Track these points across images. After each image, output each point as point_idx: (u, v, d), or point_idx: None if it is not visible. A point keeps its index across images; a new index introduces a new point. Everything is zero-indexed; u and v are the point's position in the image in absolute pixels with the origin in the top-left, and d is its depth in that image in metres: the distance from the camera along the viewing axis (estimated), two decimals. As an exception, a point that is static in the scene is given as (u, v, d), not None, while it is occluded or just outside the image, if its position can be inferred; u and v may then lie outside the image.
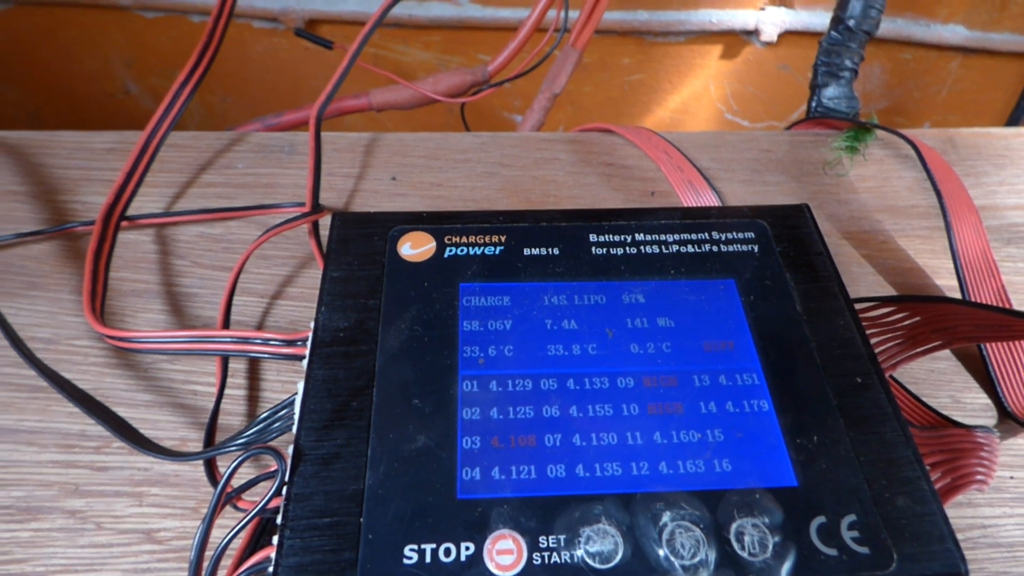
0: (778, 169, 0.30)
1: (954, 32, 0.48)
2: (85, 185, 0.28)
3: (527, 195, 0.29)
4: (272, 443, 0.18)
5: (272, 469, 0.16)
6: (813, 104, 0.35)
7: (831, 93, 0.34)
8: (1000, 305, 0.23)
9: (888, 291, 0.25)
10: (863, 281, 0.26)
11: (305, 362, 0.18)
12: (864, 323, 0.20)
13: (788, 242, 0.21)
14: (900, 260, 0.26)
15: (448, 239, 0.21)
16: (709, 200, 0.27)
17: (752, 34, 0.47)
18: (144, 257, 0.26)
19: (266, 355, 0.20)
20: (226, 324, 0.23)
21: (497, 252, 0.21)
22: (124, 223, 0.26)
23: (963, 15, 0.47)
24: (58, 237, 0.26)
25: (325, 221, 0.26)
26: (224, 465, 0.20)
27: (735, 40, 0.48)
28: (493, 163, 0.30)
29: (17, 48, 0.49)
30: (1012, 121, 0.50)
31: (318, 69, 0.49)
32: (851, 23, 0.33)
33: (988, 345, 0.22)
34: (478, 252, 0.20)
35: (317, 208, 0.26)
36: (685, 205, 0.27)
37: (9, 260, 0.25)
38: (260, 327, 0.24)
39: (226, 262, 0.26)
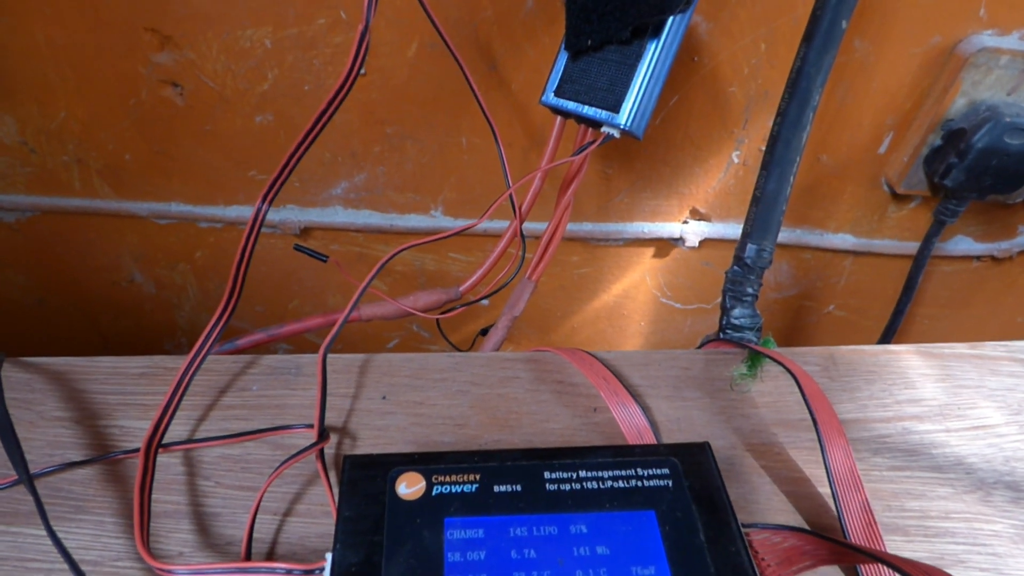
0: (694, 385, 0.37)
1: (844, 239, 0.58)
2: (121, 410, 0.33)
3: (494, 412, 0.35)
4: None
5: None
6: (724, 322, 0.43)
7: (737, 313, 0.43)
8: (865, 516, 0.30)
9: (782, 499, 0.32)
10: (761, 491, 0.32)
11: (323, 592, 0.23)
12: (753, 544, 0.26)
13: (694, 477, 0.27)
14: (791, 470, 0.33)
15: (435, 479, 0.27)
16: (638, 419, 0.34)
17: (678, 240, 0.57)
18: (174, 479, 0.31)
19: (288, 583, 0.24)
20: (249, 548, 0.27)
21: (473, 489, 0.26)
22: (160, 450, 0.31)
23: (849, 226, 0.58)
24: (101, 462, 0.31)
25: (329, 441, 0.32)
26: None
27: (665, 244, 0.57)
28: (465, 382, 0.37)
29: (33, 244, 0.56)
30: (900, 306, 0.60)
31: (311, 269, 0.56)
32: (748, 261, 0.42)
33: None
34: (458, 490, 0.26)
35: (323, 436, 0.31)
36: (619, 422, 0.34)
37: (58, 485, 0.30)
38: (274, 544, 0.29)
39: (245, 482, 0.31)
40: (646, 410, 0.35)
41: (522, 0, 0.42)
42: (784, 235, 0.58)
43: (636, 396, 0.36)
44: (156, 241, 0.55)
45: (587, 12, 0.36)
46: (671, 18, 0.35)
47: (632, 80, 0.38)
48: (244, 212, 0.53)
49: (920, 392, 0.38)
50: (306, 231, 0.55)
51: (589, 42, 0.37)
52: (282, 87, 0.46)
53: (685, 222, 0.56)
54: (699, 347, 0.40)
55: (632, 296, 0.61)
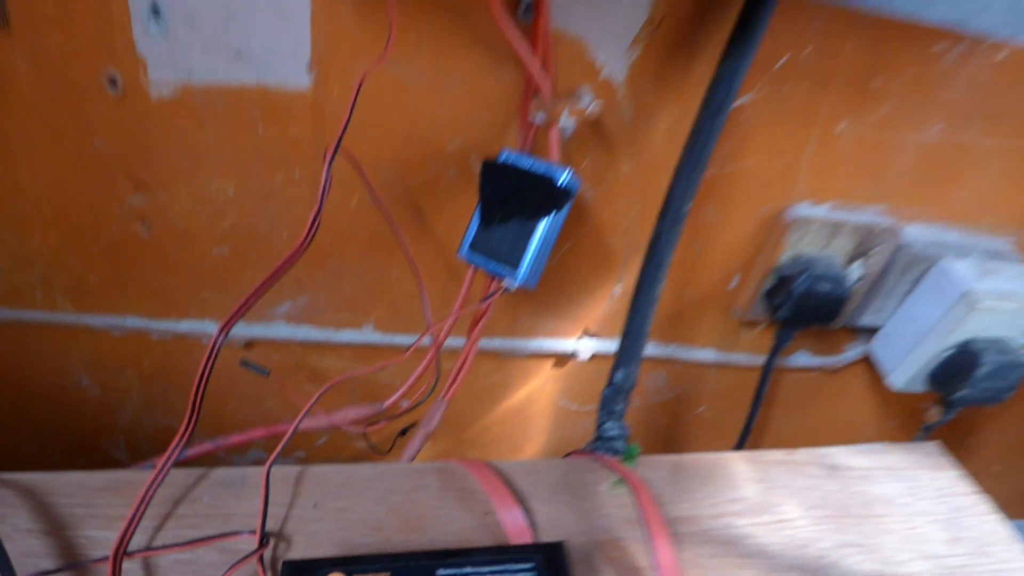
0: (569, 490, 0.47)
1: (707, 354, 0.70)
2: (87, 521, 0.40)
3: (406, 517, 0.43)
4: None
5: None
6: (596, 434, 0.53)
7: (608, 426, 0.53)
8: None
9: (629, 585, 0.41)
10: (613, 579, 0.41)
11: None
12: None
13: (553, 571, 0.36)
14: (632, 562, 0.42)
15: (354, 578, 0.34)
16: (520, 520, 0.43)
17: (573, 355, 0.67)
18: (135, 581, 0.37)
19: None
20: (201, 638, 0.34)
21: (384, 586, 0.34)
22: (127, 558, 0.37)
23: (711, 344, 0.70)
24: (71, 570, 0.37)
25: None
26: None
27: (562, 357, 0.68)
28: (384, 490, 0.45)
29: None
30: (752, 411, 0.71)
31: (250, 377, 0.63)
32: (617, 384, 0.53)
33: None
34: (372, 588, 0.34)
35: (263, 543, 0.38)
36: (504, 523, 0.43)
37: (33, 589, 0.36)
38: (220, 635, 0.35)
39: (196, 582, 0.37)
40: (528, 512, 0.44)
41: (444, 170, 0.53)
42: (660, 350, 0.69)
43: (521, 499, 0.45)
44: (108, 350, 0.61)
45: (497, 202, 0.47)
46: (553, 208, 0.46)
47: (528, 246, 0.48)
48: (194, 326, 0.60)
49: (742, 492, 0.49)
50: (250, 343, 0.62)
51: (498, 219, 0.48)
52: (240, 227, 0.54)
53: (579, 339, 0.67)
54: (565, 456, 0.50)
55: (535, 400, 0.71)
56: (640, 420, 0.77)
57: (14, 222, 0.53)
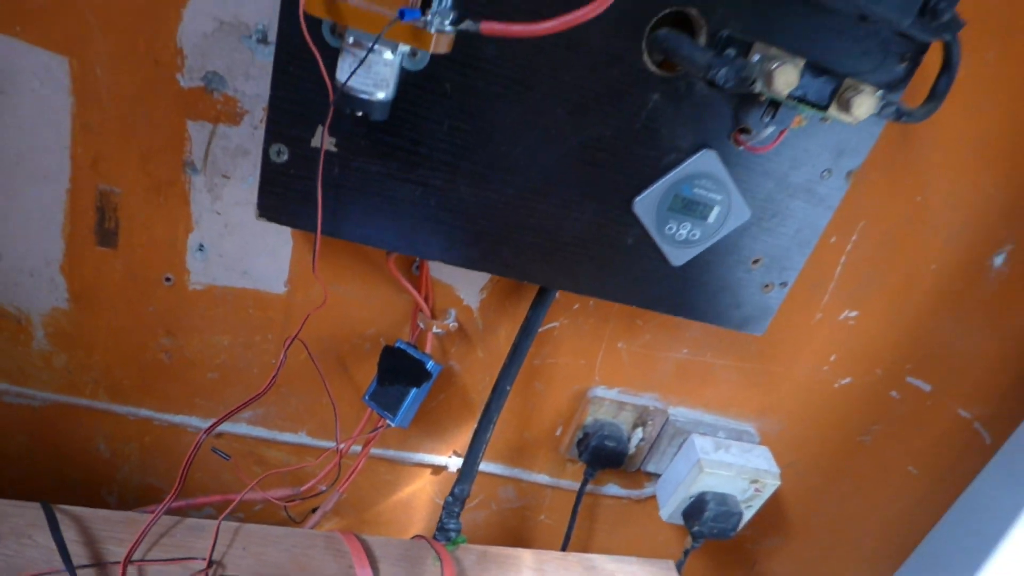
0: (408, 560, 0.74)
1: (542, 478, 0.99)
2: (108, 539, 0.67)
3: (299, 562, 0.70)
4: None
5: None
6: (439, 525, 0.81)
7: (446, 521, 0.81)
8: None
9: (424, 621, 0.68)
10: (415, 616, 0.69)
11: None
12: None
13: (372, 602, 0.64)
14: (434, 608, 0.70)
15: (258, 591, 0.62)
16: (369, 574, 0.70)
17: (445, 467, 0.96)
18: (132, 580, 0.64)
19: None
20: (167, 615, 0.61)
21: (274, 598, 0.62)
22: (130, 564, 0.64)
23: (547, 470, 0.99)
24: (96, 567, 0.64)
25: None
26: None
27: (438, 468, 0.97)
28: (290, 545, 0.72)
29: (42, 419, 0.88)
30: (571, 522, 0.99)
31: (218, 461, 0.91)
32: (456, 494, 0.81)
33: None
34: (267, 597, 0.62)
35: (210, 566, 0.66)
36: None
37: (75, 577, 0.63)
38: (177, 617, 0.62)
39: (167, 585, 0.64)
40: (376, 570, 0.72)
41: (363, 344, 0.84)
42: (509, 472, 0.98)
43: (373, 561, 0.72)
44: (123, 427, 0.89)
45: (388, 372, 0.78)
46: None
47: (403, 403, 0.79)
48: (184, 419, 0.89)
49: (515, 575, 0.77)
50: (220, 434, 0.91)
51: (388, 383, 0.78)
52: (228, 363, 0.84)
53: (449, 457, 0.96)
54: (411, 537, 0.78)
55: (417, 496, 0.99)
56: (497, 521, 1.05)
57: (88, 347, 0.83)
